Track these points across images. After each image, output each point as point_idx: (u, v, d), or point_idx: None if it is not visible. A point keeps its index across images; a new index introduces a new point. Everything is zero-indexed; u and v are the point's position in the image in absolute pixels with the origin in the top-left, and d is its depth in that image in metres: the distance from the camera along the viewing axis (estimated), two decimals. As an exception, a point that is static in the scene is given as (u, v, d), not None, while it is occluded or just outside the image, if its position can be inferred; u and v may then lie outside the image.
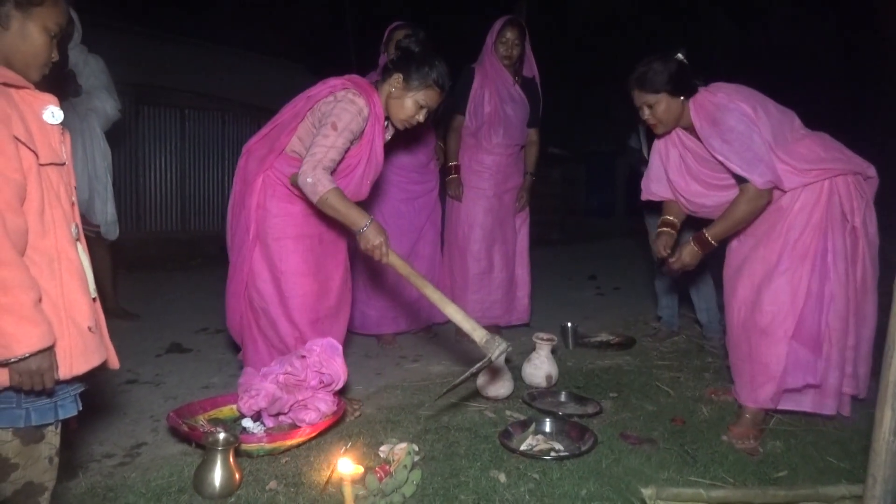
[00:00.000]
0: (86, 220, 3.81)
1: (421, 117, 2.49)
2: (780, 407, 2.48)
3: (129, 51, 4.11)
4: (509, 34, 3.63)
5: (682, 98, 2.46)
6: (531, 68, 3.86)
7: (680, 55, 2.49)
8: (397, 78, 2.42)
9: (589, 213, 14.69)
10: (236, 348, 3.56)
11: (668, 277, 3.90)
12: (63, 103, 3.74)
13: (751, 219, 2.48)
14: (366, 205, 2.56)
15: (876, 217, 2.50)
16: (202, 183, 8.02)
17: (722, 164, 2.41)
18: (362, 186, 2.51)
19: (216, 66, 8.92)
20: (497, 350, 2.11)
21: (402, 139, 3.49)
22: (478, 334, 2.18)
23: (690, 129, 2.53)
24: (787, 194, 2.44)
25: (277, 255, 2.46)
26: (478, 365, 2.15)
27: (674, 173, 2.66)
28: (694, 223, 2.79)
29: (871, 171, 2.50)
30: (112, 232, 3.94)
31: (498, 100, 3.69)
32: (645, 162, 3.82)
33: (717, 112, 2.39)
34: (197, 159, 7.94)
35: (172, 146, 7.63)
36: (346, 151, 2.36)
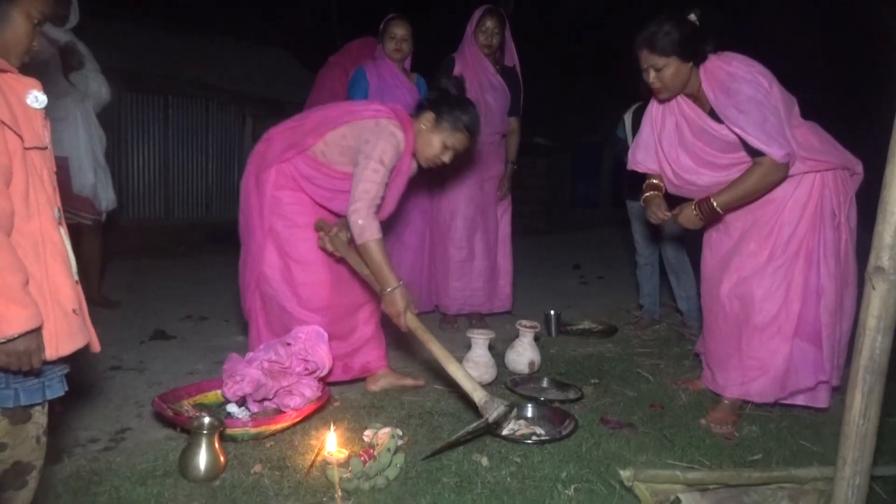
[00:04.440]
0: (92, 206, 3.86)
1: (446, 158, 2.54)
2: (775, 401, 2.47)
3: (111, 36, 4.08)
4: (489, 23, 3.65)
5: (691, 64, 2.32)
6: (512, 57, 3.88)
7: (693, 16, 2.32)
8: (429, 116, 2.48)
9: (574, 203, 14.79)
10: (221, 335, 3.59)
11: (650, 266, 3.95)
12: (62, 85, 3.69)
13: (763, 192, 2.37)
14: None
15: (856, 212, 2.48)
16: (186, 171, 7.97)
17: (739, 137, 2.28)
18: (383, 210, 2.55)
19: (201, 53, 8.84)
20: (495, 412, 2.10)
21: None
22: (477, 395, 2.17)
23: (693, 98, 2.41)
24: (780, 188, 2.38)
25: (288, 242, 2.53)
26: (474, 425, 2.14)
27: (666, 143, 2.52)
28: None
29: (859, 167, 2.47)
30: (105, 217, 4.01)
31: (478, 88, 3.70)
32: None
33: (732, 82, 2.27)
34: (180, 147, 7.89)
35: (155, 134, 7.57)
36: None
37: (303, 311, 2.55)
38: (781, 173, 2.31)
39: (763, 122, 2.23)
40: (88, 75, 3.77)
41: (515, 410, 2.49)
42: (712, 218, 2.47)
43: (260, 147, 2.62)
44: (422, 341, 2.33)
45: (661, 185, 2.62)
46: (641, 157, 2.65)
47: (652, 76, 2.35)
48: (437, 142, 2.50)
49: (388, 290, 2.34)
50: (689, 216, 2.47)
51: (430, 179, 3.79)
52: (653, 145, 2.60)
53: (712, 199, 2.40)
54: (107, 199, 3.93)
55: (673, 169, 2.53)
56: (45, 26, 3.59)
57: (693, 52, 2.30)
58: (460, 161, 3.75)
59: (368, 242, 2.31)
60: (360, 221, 2.31)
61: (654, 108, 2.59)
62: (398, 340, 3.11)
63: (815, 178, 2.39)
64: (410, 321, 2.34)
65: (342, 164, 2.46)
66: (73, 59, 3.66)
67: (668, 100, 2.46)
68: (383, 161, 2.35)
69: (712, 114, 2.36)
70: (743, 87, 2.26)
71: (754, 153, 2.29)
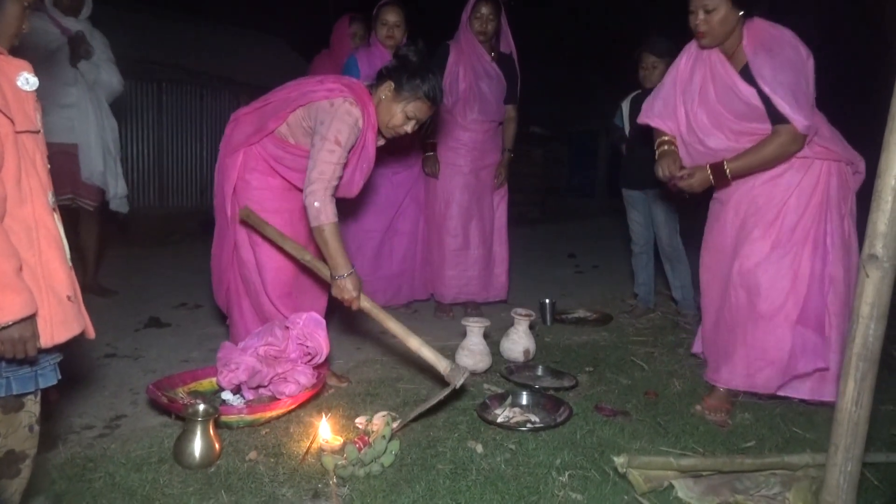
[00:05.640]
0: (97, 193, 3.86)
1: (409, 128, 2.48)
2: (778, 393, 2.44)
3: (104, 22, 4.03)
4: (483, 9, 3.62)
5: (741, 14, 2.30)
6: (508, 44, 3.85)
7: None
8: (389, 86, 2.42)
9: (570, 192, 14.78)
10: (216, 323, 3.58)
11: (645, 254, 3.95)
12: (70, 73, 3.71)
13: (777, 163, 2.35)
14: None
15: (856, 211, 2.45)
16: (180, 158, 7.93)
17: (767, 99, 2.27)
18: (352, 185, 2.51)
19: (194, 39, 8.77)
20: (461, 378, 2.25)
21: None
22: (442, 364, 2.29)
23: (728, 56, 2.39)
24: (786, 174, 2.37)
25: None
26: (443, 392, 2.26)
27: (688, 96, 2.49)
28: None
29: (862, 165, 2.46)
30: (122, 206, 4.00)
31: (473, 76, 3.68)
32: (626, 140, 3.87)
33: (776, 43, 2.29)
34: (174, 134, 7.84)
35: (149, 121, 7.53)
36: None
37: (267, 299, 2.52)
38: (797, 146, 2.30)
39: (796, 88, 2.24)
40: (101, 65, 3.79)
41: (511, 398, 2.50)
42: (723, 183, 2.45)
43: (228, 130, 2.58)
44: (378, 321, 2.35)
45: (675, 142, 2.57)
46: (659, 110, 2.59)
47: (700, 17, 2.32)
48: (398, 111, 2.43)
49: (341, 275, 2.30)
50: (702, 179, 2.42)
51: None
52: (672, 98, 2.55)
53: (725, 165, 2.38)
54: (115, 186, 3.93)
55: (689, 123, 2.49)
56: (58, 15, 3.64)
57: (747, 1, 2.29)
58: (456, 148, 3.76)
59: (324, 226, 2.26)
60: (315, 204, 2.26)
61: (682, 60, 2.55)
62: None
63: (823, 166, 2.38)
64: (363, 302, 2.34)
65: (308, 144, 2.41)
66: (82, 48, 3.67)
67: (707, 47, 2.42)
68: (339, 141, 2.29)
69: (743, 74, 2.34)
70: (786, 49, 2.27)
71: (777, 119, 2.27)
